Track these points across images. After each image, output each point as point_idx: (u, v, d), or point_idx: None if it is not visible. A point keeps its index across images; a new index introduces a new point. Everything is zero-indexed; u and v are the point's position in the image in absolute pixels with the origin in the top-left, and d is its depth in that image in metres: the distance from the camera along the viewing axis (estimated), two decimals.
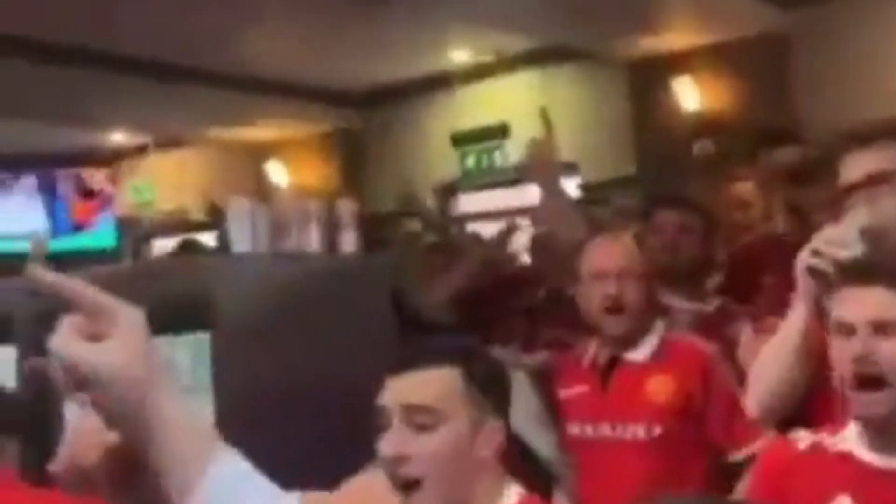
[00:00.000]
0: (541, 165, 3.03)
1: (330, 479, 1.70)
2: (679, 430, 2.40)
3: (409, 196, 4.05)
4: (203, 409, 2.63)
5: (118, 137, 10.14)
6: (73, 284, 1.03)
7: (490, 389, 1.57)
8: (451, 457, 1.50)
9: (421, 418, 1.50)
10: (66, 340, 1.01)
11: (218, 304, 2.51)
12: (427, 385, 1.53)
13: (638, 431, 2.41)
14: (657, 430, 2.40)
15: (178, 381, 1.06)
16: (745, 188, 4.42)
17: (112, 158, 10.68)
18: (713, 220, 3.19)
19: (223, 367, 2.54)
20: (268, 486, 1.08)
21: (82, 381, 1.00)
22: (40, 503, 2.29)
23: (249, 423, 2.48)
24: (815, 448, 1.73)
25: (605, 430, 2.46)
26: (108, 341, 1.01)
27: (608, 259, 2.53)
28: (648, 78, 7.29)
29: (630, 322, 2.49)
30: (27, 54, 6.87)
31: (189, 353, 2.86)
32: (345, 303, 2.61)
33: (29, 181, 10.75)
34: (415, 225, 8.31)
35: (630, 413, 2.43)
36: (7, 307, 3.20)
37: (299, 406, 2.40)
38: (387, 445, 1.51)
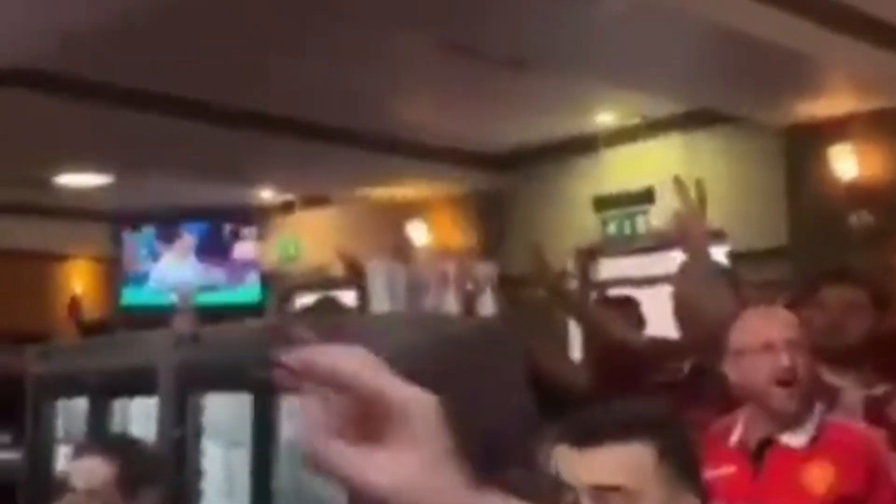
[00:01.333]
0: (690, 232, 2.89)
1: None
2: None
3: (539, 263, 3.93)
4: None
5: (266, 195, 10.42)
6: (347, 361, 0.75)
7: (685, 465, 1.47)
8: None
9: (613, 500, 1.39)
10: (328, 446, 0.73)
11: None
12: (618, 462, 1.42)
13: None
14: None
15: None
16: None
17: (260, 215, 10.97)
18: (883, 296, 2.98)
19: None
20: None
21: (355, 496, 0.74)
22: None
23: None
24: None
25: None
26: (391, 450, 0.73)
27: (777, 329, 2.37)
28: (803, 145, 7.05)
29: (800, 397, 2.32)
30: (179, 112, 7.12)
31: None
32: (483, 367, 2.54)
33: (185, 235, 11.09)
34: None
35: (786, 502, 2.26)
36: (151, 358, 3.25)
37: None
38: None
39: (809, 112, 6.79)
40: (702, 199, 2.94)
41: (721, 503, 2.35)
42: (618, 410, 1.58)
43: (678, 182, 2.96)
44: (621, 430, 1.46)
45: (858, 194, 6.76)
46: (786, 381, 2.31)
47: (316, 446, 0.73)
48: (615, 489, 1.40)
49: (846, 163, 6.85)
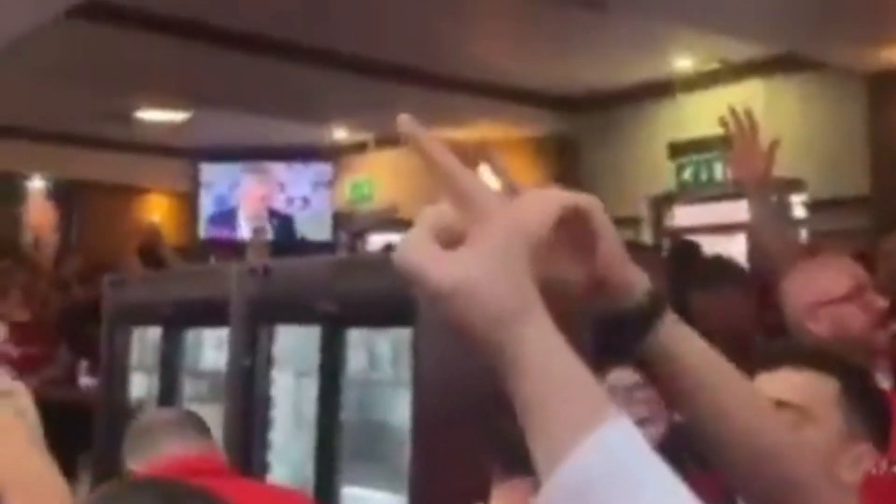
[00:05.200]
0: (749, 168, 2.78)
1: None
2: None
3: None
4: (403, 403, 2.63)
5: (340, 134, 10.47)
6: (442, 154, 0.82)
7: (867, 411, 1.46)
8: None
9: (788, 415, 1.40)
10: (414, 241, 0.76)
11: (420, 301, 2.50)
12: (800, 385, 1.46)
13: None
14: None
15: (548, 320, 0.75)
16: None
17: (334, 154, 11.04)
18: None
19: (422, 363, 2.52)
20: (667, 474, 0.72)
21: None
22: (256, 492, 2.34)
23: (445, 420, 2.46)
24: None
25: None
26: (464, 248, 0.75)
27: (861, 273, 2.34)
28: (887, 92, 6.84)
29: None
30: (255, 50, 7.16)
31: (390, 346, 2.87)
32: None
33: (265, 171, 11.22)
34: (627, 233, 8.14)
35: None
36: (223, 290, 3.32)
37: (495, 406, 2.35)
38: None
39: (893, 58, 6.58)
40: (751, 127, 2.79)
41: None
42: (809, 344, 1.72)
43: (733, 114, 2.81)
44: (810, 358, 1.50)
45: None
46: (884, 322, 2.29)
47: (403, 249, 0.76)
48: (792, 406, 1.43)
49: None
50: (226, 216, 11.30)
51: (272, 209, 11.19)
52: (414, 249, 0.76)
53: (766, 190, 2.76)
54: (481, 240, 0.75)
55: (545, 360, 0.74)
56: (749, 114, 2.75)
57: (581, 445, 0.70)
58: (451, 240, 0.76)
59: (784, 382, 1.46)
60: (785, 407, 1.40)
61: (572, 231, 0.92)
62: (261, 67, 7.42)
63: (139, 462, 2.18)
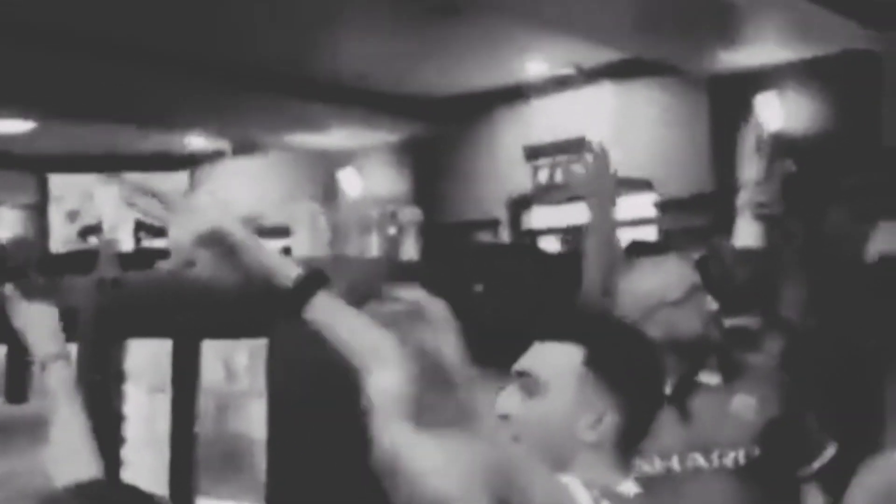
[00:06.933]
0: (596, 182, 2.87)
1: None
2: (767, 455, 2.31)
3: None
4: (259, 414, 2.61)
5: (197, 142, 10.28)
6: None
7: (610, 377, 1.55)
8: (547, 428, 1.54)
9: (527, 384, 1.56)
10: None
11: (273, 311, 2.48)
12: (541, 355, 1.59)
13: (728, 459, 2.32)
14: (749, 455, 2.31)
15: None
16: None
17: (190, 163, 10.83)
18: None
19: (277, 373, 2.50)
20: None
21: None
22: None
23: (301, 429, 2.44)
24: None
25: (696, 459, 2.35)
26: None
27: (691, 275, 2.44)
28: (727, 94, 7.13)
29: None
30: (109, 57, 6.97)
31: (246, 357, 2.84)
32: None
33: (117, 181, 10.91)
34: (486, 235, 8.25)
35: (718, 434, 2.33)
36: (72, 303, 3.21)
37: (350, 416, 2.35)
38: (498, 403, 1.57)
39: (735, 61, 6.86)
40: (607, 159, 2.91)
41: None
42: (566, 316, 1.81)
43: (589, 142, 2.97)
44: (557, 331, 1.61)
45: (784, 143, 6.87)
46: (714, 323, 2.39)
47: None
48: (524, 374, 1.56)
49: (773, 112, 6.95)
50: (79, 228, 10.95)
51: (137, 220, 10.90)
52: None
53: (610, 195, 2.84)
54: None
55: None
56: (600, 146, 2.86)
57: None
58: None
59: (531, 354, 1.60)
60: (523, 377, 1.56)
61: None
62: (111, 74, 7.21)
63: None
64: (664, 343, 2.29)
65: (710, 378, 2.42)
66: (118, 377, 3.06)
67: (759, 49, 6.66)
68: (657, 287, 2.43)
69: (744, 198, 3.53)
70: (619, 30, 6.53)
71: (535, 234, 8.57)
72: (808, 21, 6.30)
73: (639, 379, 1.60)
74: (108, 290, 3.08)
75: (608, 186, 2.82)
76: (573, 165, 8.15)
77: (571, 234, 7.08)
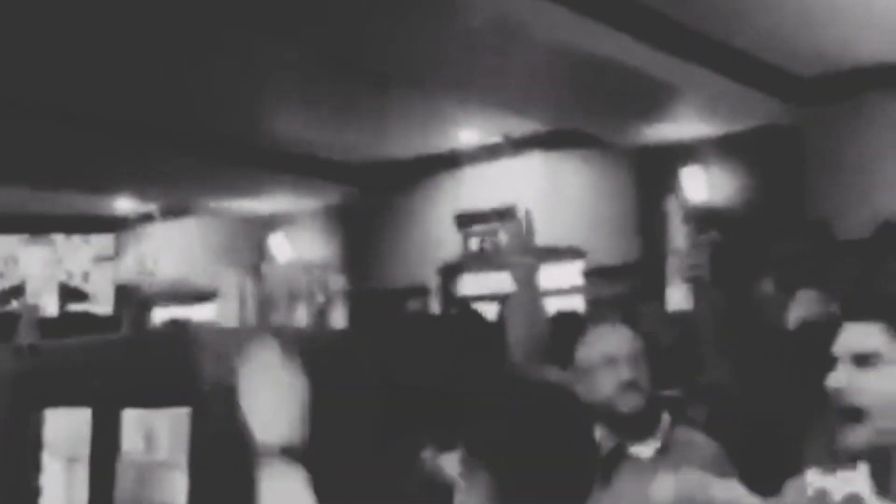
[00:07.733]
0: (517, 250, 2.90)
1: None
2: None
3: None
4: (180, 484, 2.55)
5: (124, 204, 10.16)
6: None
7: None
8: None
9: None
10: None
11: (196, 380, 2.45)
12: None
13: None
14: None
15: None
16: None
17: (118, 225, 10.69)
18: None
19: (199, 443, 2.46)
20: None
21: None
22: None
23: (221, 500, 2.40)
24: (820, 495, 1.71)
25: None
26: None
27: (617, 345, 2.46)
28: (656, 166, 7.28)
29: (643, 403, 2.42)
30: (36, 118, 6.89)
31: (167, 427, 2.78)
32: (327, 375, 2.53)
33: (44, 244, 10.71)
34: (416, 302, 8.25)
35: None
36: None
37: None
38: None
39: (660, 135, 7.02)
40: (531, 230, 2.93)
41: None
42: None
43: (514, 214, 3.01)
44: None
45: (708, 215, 7.01)
46: (629, 389, 2.40)
47: None
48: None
49: (697, 184, 7.10)
50: (0, 291, 10.69)
51: (61, 283, 10.68)
52: None
53: (531, 267, 2.87)
54: None
55: None
56: (524, 214, 2.90)
57: None
58: None
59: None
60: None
61: None
62: (37, 135, 7.13)
63: None
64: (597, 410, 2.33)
65: (641, 450, 2.43)
66: (35, 447, 2.98)
67: (684, 124, 6.83)
68: (583, 351, 2.48)
69: (673, 264, 3.59)
70: (547, 104, 6.66)
71: (466, 300, 8.58)
72: (731, 97, 6.48)
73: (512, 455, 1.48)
74: (26, 356, 3.01)
75: (530, 254, 2.85)
76: (499, 233, 8.24)
77: (503, 301, 7.11)
